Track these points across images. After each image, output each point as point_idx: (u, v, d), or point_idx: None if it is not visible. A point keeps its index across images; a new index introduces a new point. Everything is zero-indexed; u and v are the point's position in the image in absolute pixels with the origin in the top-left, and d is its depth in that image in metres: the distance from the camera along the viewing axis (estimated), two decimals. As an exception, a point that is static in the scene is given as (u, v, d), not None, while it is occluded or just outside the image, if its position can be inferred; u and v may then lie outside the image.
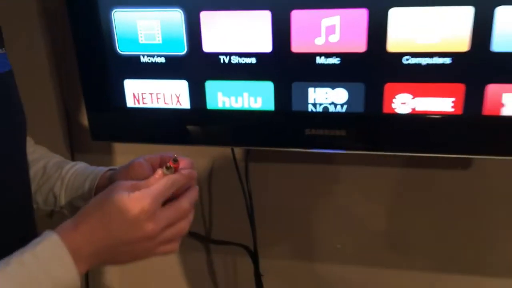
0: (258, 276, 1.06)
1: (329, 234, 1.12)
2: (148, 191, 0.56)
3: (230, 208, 1.11)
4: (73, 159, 1.16)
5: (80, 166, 0.77)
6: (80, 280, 0.54)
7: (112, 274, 1.30)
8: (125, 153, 1.14)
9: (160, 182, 0.58)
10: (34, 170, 0.75)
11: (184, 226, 0.60)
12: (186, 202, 0.60)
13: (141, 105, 0.88)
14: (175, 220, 0.59)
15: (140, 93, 0.87)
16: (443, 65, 0.74)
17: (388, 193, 1.07)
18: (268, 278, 1.12)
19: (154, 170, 0.62)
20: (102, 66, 0.86)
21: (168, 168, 0.59)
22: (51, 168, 0.76)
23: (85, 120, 1.10)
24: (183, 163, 0.62)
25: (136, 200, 0.55)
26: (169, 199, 0.59)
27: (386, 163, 1.03)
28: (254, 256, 1.04)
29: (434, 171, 1.02)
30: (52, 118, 1.15)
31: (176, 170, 0.60)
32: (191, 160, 0.64)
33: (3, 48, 0.65)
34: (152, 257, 0.59)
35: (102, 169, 0.75)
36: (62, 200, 0.74)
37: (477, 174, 1.00)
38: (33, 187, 0.73)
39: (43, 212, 0.76)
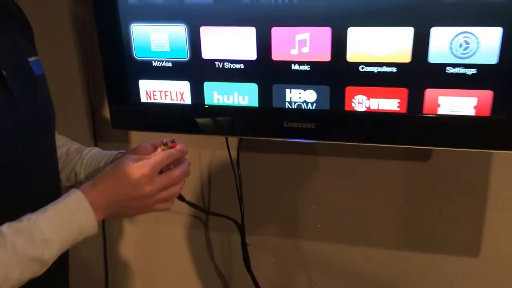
0: (244, 245, 1.24)
1: (310, 215, 1.29)
2: (148, 161, 0.75)
3: (224, 189, 1.28)
4: (96, 146, 1.35)
5: (96, 150, 0.95)
6: (98, 225, 0.73)
7: (128, 247, 1.49)
8: (139, 142, 1.32)
9: (158, 155, 0.77)
10: (59, 154, 0.91)
11: (176, 190, 0.78)
12: (178, 171, 0.78)
13: (152, 101, 1.06)
14: (169, 184, 0.77)
15: (152, 90, 1.06)
16: (390, 73, 0.92)
17: (360, 180, 1.23)
18: (255, 252, 1.30)
19: None
20: (121, 68, 1.05)
21: (165, 144, 0.78)
22: (72, 152, 0.94)
23: (106, 114, 1.30)
24: (179, 145, 0.81)
25: (138, 167, 0.74)
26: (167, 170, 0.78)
27: (357, 155, 1.20)
28: (241, 229, 1.23)
29: (398, 162, 1.19)
30: (80, 112, 1.34)
31: (172, 148, 0.79)
32: (185, 144, 0.82)
33: (37, 56, 0.83)
34: (151, 212, 0.78)
35: (114, 152, 0.93)
36: (82, 177, 0.92)
37: (435, 165, 1.16)
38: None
39: (65, 187, 0.92)
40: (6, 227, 0.63)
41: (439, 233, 1.22)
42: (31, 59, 0.80)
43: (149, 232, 1.46)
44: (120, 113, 1.10)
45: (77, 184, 0.93)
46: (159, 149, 0.79)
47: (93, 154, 0.93)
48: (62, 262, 0.86)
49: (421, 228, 1.23)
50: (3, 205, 0.71)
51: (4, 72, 0.70)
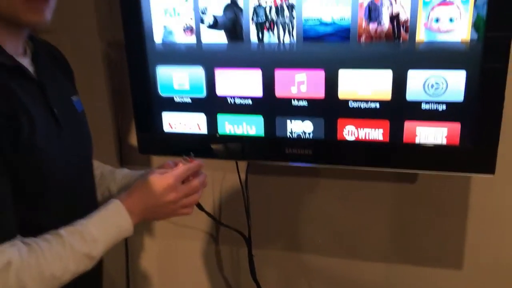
0: (250, 256, 1.40)
1: (312, 231, 1.44)
2: (172, 173, 0.91)
3: (234, 207, 1.45)
4: (122, 169, 1.52)
5: (126, 170, 1.11)
6: (133, 228, 0.87)
7: (148, 260, 1.65)
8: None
9: (179, 168, 0.93)
10: (95, 174, 1.06)
11: (195, 197, 0.95)
12: (196, 181, 0.94)
13: (174, 130, 1.24)
14: (190, 193, 0.93)
15: (173, 122, 1.23)
16: (374, 108, 1.09)
17: (356, 200, 1.38)
18: (261, 264, 1.45)
19: None
20: (148, 103, 1.22)
21: (185, 159, 0.95)
22: (106, 173, 1.10)
23: (131, 142, 1.47)
24: (196, 160, 0.97)
25: (164, 178, 0.90)
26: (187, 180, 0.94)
27: (354, 178, 1.35)
28: (248, 241, 1.39)
29: (389, 184, 1.34)
30: (109, 141, 1.52)
31: (191, 163, 0.96)
32: (202, 161, 0.98)
33: (78, 95, 0.99)
34: (176, 216, 0.93)
35: (142, 171, 1.09)
36: (114, 193, 1.07)
37: (421, 186, 1.32)
38: None
39: (100, 202, 1.06)
40: (63, 230, 0.79)
41: (426, 247, 1.36)
42: (73, 98, 0.97)
43: (167, 247, 1.62)
44: (146, 140, 1.27)
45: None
46: (180, 164, 0.95)
47: (124, 173, 1.10)
48: (98, 271, 1.02)
49: (410, 243, 1.37)
50: (56, 215, 0.87)
51: (56, 111, 0.86)
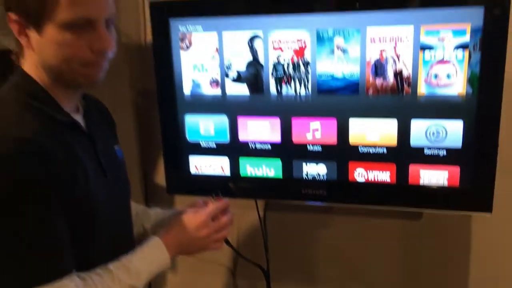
0: (269, 288, 1.50)
1: (325, 265, 1.53)
2: (203, 212, 1.03)
3: (253, 243, 1.55)
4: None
5: (158, 209, 1.21)
6: (170, 261, 0.98)
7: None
8: (182, 204, 1.54)
9: (210, 207, 1.05)
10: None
11: (224, 233, 1.06)
12: (225, 218, 1.06)
13: (200, 172, 1.36)
14: (219, 229, 1.04)
15: (199, 164, 1.36)
16: (382, 153, 1.21)
17: (366, 235, 1.47)
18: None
19: None
20: (177, 148, 1.35)
21: (214, 198, 1.07)
22: (140, 212, 1.20)
23: (156, 182, 1.58)
24: (224, 200, 1.08)
25: (197, 216, 1.02)
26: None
27: (364, 215, 1.44)
28: (267, 275, 1.48)
29: (396, 220, 1.44)
30: (135, 182, 1.60)
31: (219, 202, 1.07)
32: (227, 200, 1.09)
33: (119, 144, 1.10)
34: (207, 250, 1.04)
35: (172, 210, 1.20)
36: (149, 231, 1.18)
37: (426, 223, 1.41)
38: None
39: (136, 239, 1.16)
40: (111, 265, 0.90)
41: (432, 280, 1.45)
42: (115, 147, 1.08)
43: (188, 281, 1.71)
44: (174, 181, 1.40)
45: (144, 236, 1.17)
46: (210, 203, 1.07)
47: (156, 212, 1.21)
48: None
49: (417, 276, 1.46)
50: (102, 251, 0.98)
51: (102, 161, 0.97)
